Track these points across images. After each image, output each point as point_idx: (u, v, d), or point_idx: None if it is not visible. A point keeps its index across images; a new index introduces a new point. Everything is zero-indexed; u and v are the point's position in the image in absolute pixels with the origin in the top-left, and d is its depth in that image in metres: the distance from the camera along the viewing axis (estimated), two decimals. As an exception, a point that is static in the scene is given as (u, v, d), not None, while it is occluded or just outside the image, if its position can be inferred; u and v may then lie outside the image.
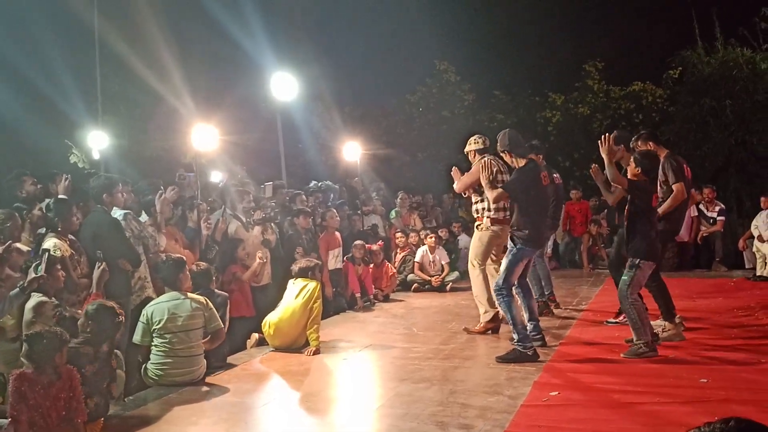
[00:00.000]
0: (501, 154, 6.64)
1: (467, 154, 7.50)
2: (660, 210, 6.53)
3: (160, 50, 14.22)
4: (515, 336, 6.12)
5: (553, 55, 18.36)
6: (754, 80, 14.11)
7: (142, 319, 5.68)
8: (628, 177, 6.18)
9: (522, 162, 6.41)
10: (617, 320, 7.40)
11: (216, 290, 6.61)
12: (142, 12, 14.55)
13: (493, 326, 7.29)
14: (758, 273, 10.71)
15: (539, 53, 18.79)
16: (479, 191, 7.22)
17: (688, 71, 15.24)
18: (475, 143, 7.39)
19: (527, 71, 18.11)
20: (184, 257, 6.36)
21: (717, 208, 11.97)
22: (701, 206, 11.98)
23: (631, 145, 7.00)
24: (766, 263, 10.66)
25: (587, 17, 18.54)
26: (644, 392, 4.96)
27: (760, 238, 10.78)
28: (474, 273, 7.28)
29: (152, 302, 5.86)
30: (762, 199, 11.20)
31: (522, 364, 5.88)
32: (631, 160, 6.25)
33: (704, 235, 11.92)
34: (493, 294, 6.38)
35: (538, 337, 6.46)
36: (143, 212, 7.00)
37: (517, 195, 6.31)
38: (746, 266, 11.50)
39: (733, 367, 5.56)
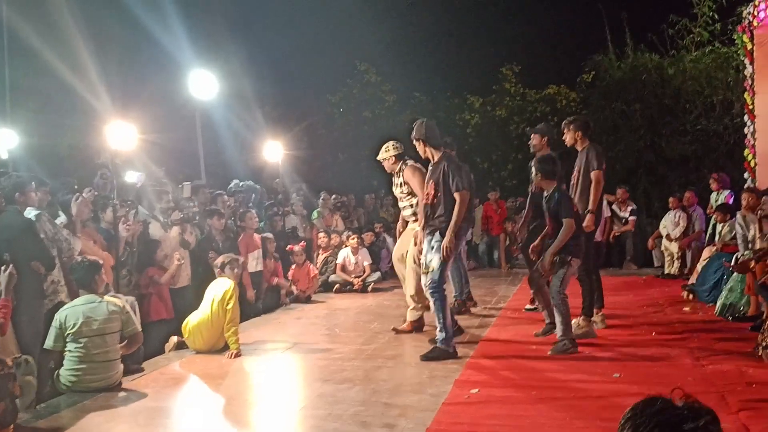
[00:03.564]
0: (414, 142, 6.62)
1: (383, 161, 7.45)
2: (590, 205, 6.84)
3: (73, 44, 13.73)
4: (442, 334, 6.19)
5: (471, 58, 18.65)
6: (662, 85, 14.65)
7: (55, 323, 5.46)
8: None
9: (436, 154, 6.45)
10: (534, 306, 7.63)
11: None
12: (55, 4, 14.01)
13: (418, 325, 7.40)
14: (666, 271, 11.18)
15: (458, 56, 19.06)
16: (413, 194, 7.23)
17: (600, 75, 15.73)
18: (394, 149, 7.34)
19: (446, 73, 18.34)
20: (102, 259, 6.18)
21: (629, 208, 12.38)
22: (614, 206, 12.37)
23: (562, 125, 7.22)
24: (673, 261, 11.12)
25: (504, 21, 18.92)
26: (560, 387, 5.12)
27: (668, 238, 11.23)
28: (417, 272, 7.16)
29: (66, 306, 5.64)
30: (670, 199, 11.67)
31: (444, 362, 5.97)
32: (532, 166, 6.50)
33: (616, 234, 12.32)
34: (427, 291, 6.38)
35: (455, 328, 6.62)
36: (60, 213, 6.76)
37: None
38: (655, 264, 11.97)
39: (645, 362, 5.78)
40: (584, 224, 6.69)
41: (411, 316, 7.42)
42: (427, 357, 6.13)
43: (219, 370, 6.18)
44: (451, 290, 7.42)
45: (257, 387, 5.88)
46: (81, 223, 6.75)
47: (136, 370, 6.01)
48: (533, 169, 6.53)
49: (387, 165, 7.43)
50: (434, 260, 6.26)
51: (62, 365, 5.47)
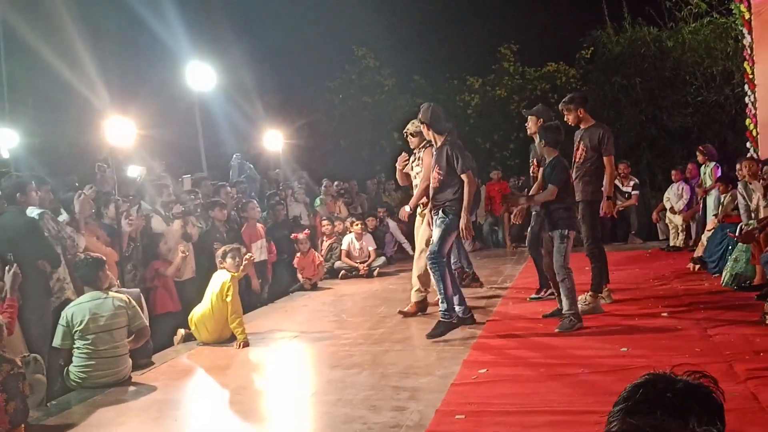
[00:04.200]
0: (420, 125, 6.66)
1: (414, 135, 7.24)
2: (605, 188, 7.01)
3: (70, 40, 13.65)
4: (443, 305, 6.29)
5: (469, 38, 18.53)
6: (661, 58, 14.59)
7: (62, 321, 5.49)
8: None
9: (440, 138, 6.49)
10: (539, 296, 7.60)
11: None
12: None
13: (422, 306, 7.42)
14: (671, 243, 11.16)
15: (456, 37, 18.92)
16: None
17: (598, 51, 15.65)
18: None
19: (445, 55, 18.21)
20: (106, 255, 6.18)
21: (632, 183, 12.34)
22: (617, 181, 12.32)
23: (560, 107, 7.20)
24: (678, 234, 11.10)
25: (500, 0, 18.78)
26: (568, 364, 5.11)
27: (672, 210, 11.20)
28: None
29: (72, 303, 5.66)
30: (673, 172, 11.63)
31: (451, 343, 5.99)
32: (537, 134, 6.51)
33: (620, 209, 12.28)
34: (427, 263, 6.46)
35: (462, 308, 6.62)
36: (62, 210, 6.76)
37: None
38: (660, 237, 11.94)
39: (652, 334, 5.79)
40: (603, 210, 7.04)
41: (414, 297, 7.44)
42: (432, 334, 6.19)
43: (227, 361, 6.20)
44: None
45: (266, 376, 5.91)
46: (83, 220, 6.76)
47: (146, 364, 6.03)
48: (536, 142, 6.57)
49: (417, 139, 7.28)
50: (435, 232, 6.40)
51: (71, 362, 5.49)
